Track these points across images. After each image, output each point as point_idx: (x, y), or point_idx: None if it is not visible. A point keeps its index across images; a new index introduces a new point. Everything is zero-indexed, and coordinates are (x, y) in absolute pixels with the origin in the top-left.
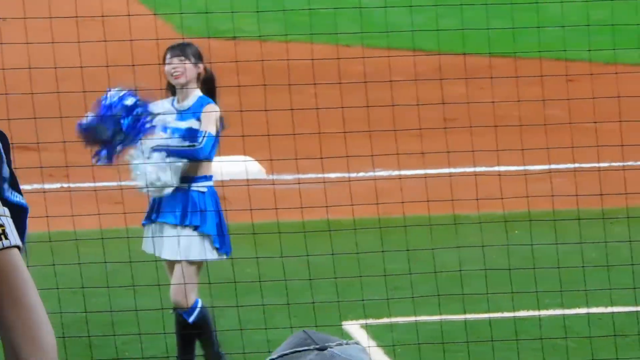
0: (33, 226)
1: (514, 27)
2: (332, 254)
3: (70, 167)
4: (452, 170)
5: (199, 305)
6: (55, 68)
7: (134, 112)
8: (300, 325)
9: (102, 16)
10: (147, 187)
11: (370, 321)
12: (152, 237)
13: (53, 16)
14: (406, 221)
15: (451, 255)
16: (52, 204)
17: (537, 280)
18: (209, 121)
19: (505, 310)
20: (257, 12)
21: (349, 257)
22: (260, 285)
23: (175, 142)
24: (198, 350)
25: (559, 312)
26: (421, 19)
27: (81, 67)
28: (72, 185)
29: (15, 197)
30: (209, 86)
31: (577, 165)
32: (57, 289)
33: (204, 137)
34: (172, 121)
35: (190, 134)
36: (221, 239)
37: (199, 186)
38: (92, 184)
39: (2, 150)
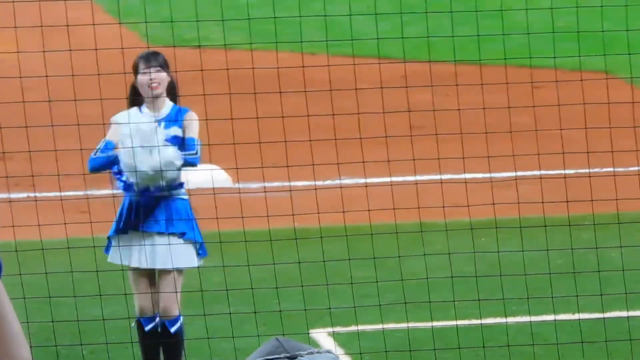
0: None
1: (479, 35)
2: (299, 262)
3: (36, 177)
4: (419, 177)
5: (181, 318)
6: (21, 77)
7: None
8: (268, 334)
9: (67, 25)
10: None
11: (338, 329)
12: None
13: (18, 26)
14: (373, 229)
15: (418, 262)
16: (18, 213)
17: (503, 287)
18: (196, 129)
19: (472, 317)
20: (222, 20)
21: (315, 265)
22: (228, 293)
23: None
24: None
25: (525, 318)
26: (386, 27)
27: (46, 76)
28: (38, 194)
29: None
30: (172, 94)
31: (543, 172)
32: (24, 298)
33: (198, 145)
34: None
35: (177, 142)
36: (203, 245)
37: (180, 193)
38: (58, 193)
39: None
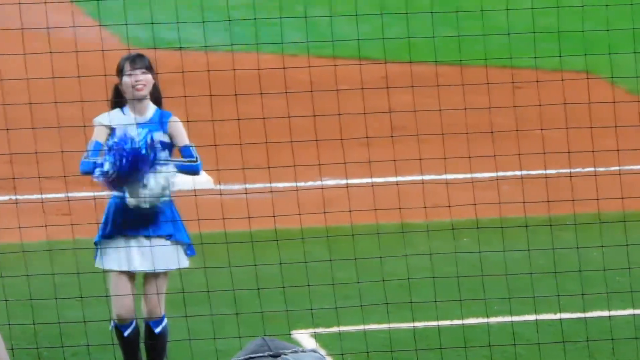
0: None
1: (459, 35)
2: (280, 264)
3: (17, 179)
4: (400, 178)
5: (166, 319)
6: (1, 80)
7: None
8: (249, 335)
9: (48, 28)
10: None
11: (320, 330)
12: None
13: None
14: (354, 230)
15: (399, 263)
16: None
17: (485, 288)
18: (185, 133)
19: (454, 317)
20: (203, 22)
21: (297, 266)
22: (209, 295)
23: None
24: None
25: (507, 319)
26: (367, 28)
27: (27, 79)
28: (19, 197)
29: None
30: (155, 97)
31: (524, 172)
32: (5, 300)
33: (194, 150)
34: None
35: (164, 147)
36: (192, 245)
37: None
38: (39, 196)
39: None
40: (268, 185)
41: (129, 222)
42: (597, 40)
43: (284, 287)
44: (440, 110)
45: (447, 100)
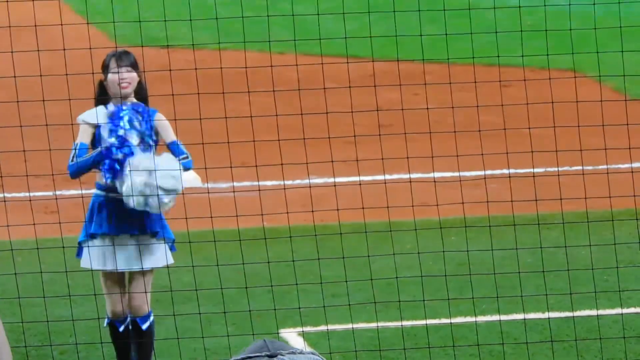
0: None
1: (447, 33)
2: (268, 262)
3: (5, 177)
4: (387, 177)
5: (152, 315)
6: None
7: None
8: (237, 334)
9: (35, 25)
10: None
11: (307, 329)
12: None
13: None
14: (342, 228)
15: (387, 262)
16: None
17: (473, 286)
18: (171, 130)
19: (442, 316)
20: (190, 20)
21: (285, 264)
22: (197, 293)
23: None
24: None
25: (495, 317)
26: (354, 26)
27: (14, 76)
28: (7, 195)
29: None
30: (141, 94)
31: (512, 170)
32: None
33: (183, 147)
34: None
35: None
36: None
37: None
38: (27, 194)
39: None
40: (255, 183)
41: (113, 221)
42: (584, 38)
43: (271, 286)
44: (427, 108)
45: (435, 99)
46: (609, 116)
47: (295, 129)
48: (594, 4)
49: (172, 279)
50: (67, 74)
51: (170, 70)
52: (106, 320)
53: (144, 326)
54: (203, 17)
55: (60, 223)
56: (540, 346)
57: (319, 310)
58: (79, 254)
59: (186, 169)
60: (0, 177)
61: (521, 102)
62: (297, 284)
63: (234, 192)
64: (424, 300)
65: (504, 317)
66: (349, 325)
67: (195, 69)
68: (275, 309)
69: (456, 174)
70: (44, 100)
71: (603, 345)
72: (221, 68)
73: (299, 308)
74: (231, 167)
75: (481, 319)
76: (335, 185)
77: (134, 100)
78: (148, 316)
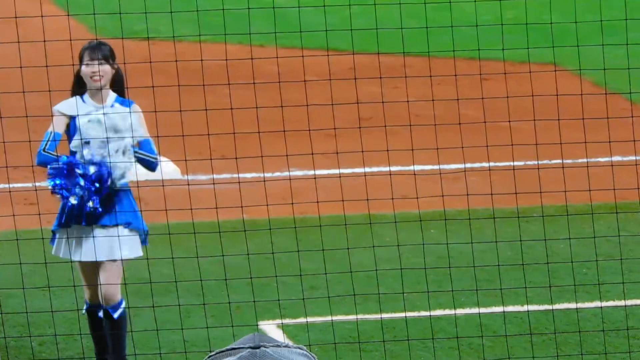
0: None
1: (427, 27)
2: (248, 254)
3: None
4: (367, 169)
5: (123, 303)
6: None
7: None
8: (216, 326)
9: (16, 17)
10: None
11: (287, 321)
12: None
13: None
14: (321, 221)
15: (367, 254)
16: None
17: (452, 279)
18: (144, 125)
19: (421, 309)
20: (171, 12)
21: (264, 257)
22: (176, 285)
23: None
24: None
25: (474, 310)
26: (335, 19)
27: None
28: None
29: None
30: (119, 86)
31: (491, 164)
32: None
33: (154, 146)
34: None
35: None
36: (147, 236)
37: (122, 185)
38: (6, 185)
39: None
40: (235, 175)
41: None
42: (564, 32)
43: (251, 278)
44: (407, 101)
45: (415, 92)
46: (589, 110)
47: (275, 122)
48: None
49: (151, 271)
50: (47, 66)
51: (150, 62)
52: (84, 307)
53: (115, 314)
54: (183, 10)
55: (39, 215)
56: (519, 339)
57: (299, 303)
58: (52, 241)
59: (148, 166)
60: None
61: (501, 95)
62: (276, 276)
63: (213, 184)
64: (403, 293)
65: (483, 310)
66: (328, 318)
67: (176, 61)
68: (254, 301)
69: (436, 167)
70: (24, 92)
71: (582, 338)
72: (202, 60)
73: (279, 300)
74: (211, 159)
75: (460, 311)
76: (315, 178)
77: (110, 92)
78: (119, 305)
